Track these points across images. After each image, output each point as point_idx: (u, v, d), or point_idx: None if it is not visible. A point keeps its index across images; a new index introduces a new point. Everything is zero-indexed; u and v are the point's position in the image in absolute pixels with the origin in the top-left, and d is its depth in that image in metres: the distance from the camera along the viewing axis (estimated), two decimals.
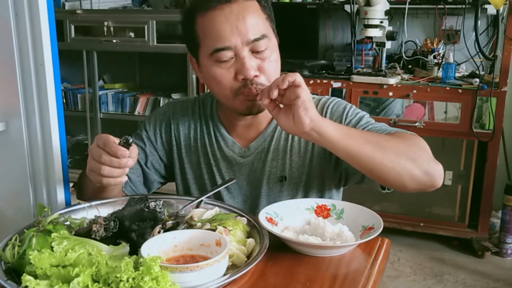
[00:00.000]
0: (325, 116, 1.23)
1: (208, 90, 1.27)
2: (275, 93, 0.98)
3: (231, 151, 1.27)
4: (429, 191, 1.09)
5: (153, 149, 1.32)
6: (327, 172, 1.25)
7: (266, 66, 1.13)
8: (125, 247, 0.89)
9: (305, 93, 0.96)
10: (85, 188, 1.22)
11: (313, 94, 1.32)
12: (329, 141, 1.01)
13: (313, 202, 1.13)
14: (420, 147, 1.09)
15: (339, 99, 1.28)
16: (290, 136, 1.24)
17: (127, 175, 1.25)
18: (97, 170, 0.99)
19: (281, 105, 1.03)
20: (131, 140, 0.98)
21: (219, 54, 1.11)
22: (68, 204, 1.23)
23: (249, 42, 1.10)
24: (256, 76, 1.11)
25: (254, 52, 1.12)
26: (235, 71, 1.12)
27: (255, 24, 1.11)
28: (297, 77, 0.96)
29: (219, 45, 1.10)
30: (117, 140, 0.98)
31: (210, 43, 1.12)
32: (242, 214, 1.05)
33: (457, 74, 2.97)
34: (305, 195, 1.27)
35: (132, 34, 3.61)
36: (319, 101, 1.26)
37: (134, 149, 1.01)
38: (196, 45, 1.17)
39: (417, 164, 1.05)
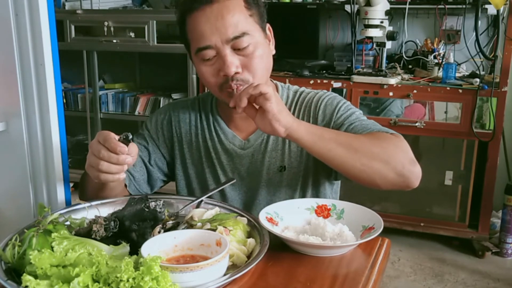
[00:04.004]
0: (319, 109, 1.27)
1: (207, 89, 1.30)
2: (244, 102, 1.03)
3: (231, 144, 1.30)
4: (406, 190, 1.12)
5: (155, 147, 1.34)
6: (321, 163, 1.26)
7: (249, 63, 1.16)
8: (125, 247, 0.89)
9: (274, 106, 1.01)
10: (86, 188, 1.22)
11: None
12: (303, 144, 1.08)
13: (314, 202, 1.13)
14: (398, 148, 1.10)
15: (335, 94, 1.31)
16: None
17: (131, 173, 1.28)
18: (95, 165, 0.99)
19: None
20: (130, 137, 0.98)
21: (202, 53, 1.16)
22: (68, 204, 1.23)
23: (228, 40, 1.14)
24: (237, 73, 1.15)
25: (236, 49, 1.15)
26: (218, 68, 1.16)
27: (235, 23, 1.14)
28: (269, 91, 1.00)
29: (201, 45, 1.15)
30: (117, 137, 0.99)
31: (194, 42, 1.17)
32: (243, 214, 1.05)
33: (457, 74, 2.97)
34: (304, 186, 1.29)
35: (132, 34, 3.61)
36: (316, 94, 1.30)
37: (134, 148, 1.02)
38: (187, 44, 1.22)
39: (390, 166, 1.08)
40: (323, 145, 1.07)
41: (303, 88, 1.34)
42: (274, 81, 1.34)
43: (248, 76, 1.16)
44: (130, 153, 1.00)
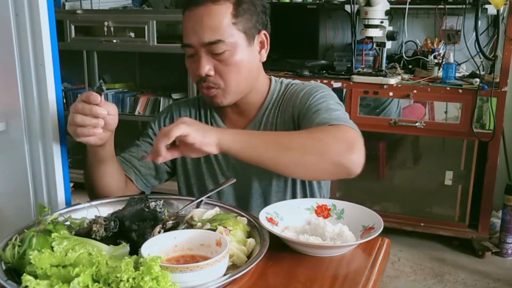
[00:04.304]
0: (297, 97, 1.28)
1: None
2: (163, 152, 1.00)
3: None
4: (350, 177, 1.11)
5: None
6: None
7: (223, 69, 1.21)
8: (125, 247, 0.89)
9: (196, 136, 0.99)
10: (87, 177, 1.25)
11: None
12: (233, 153, 1.05)
13: (314, 202, 1.13)
14: (335, 138, 1.09)
15: (321, 85, 1.31)
16: (275, 119, 1.31)
17: (136, 168, 1.32)
18: (71, 120, 1.05)
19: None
20: (103, 86, 1.04)
21: (186, 49, 1.24)
22: (68, 204, 1.23)
23: (204, 44, 1.19)
24: (209, 75, 1.21)
25: (213, 53, 1.20)
26: (196, 67, 1.22)
27: (213, 29, 1.18)
28: (181, 128, 0.98)
29: (184, 41, 1.23)
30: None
31: (183, 37, 1.24)
32: (242, 214, 1.05)
33: (457, 74, 2.97)
34: (293, 179, 1.32)
35: (132, 34, 3.61)
36: (303, 84, 1.34)
37: (113, 108, 1.08)
38: None
39: (324, 158, 1.06)
40: (252, 150, 1.06)
41: (295, 81, 1.37)
42: (269, 76, 1.37)
43: (219, 81, 1.22)
44: (110, 111, 1.05)
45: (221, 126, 1.35)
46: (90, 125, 1.04)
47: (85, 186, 1.29)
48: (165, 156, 1.02)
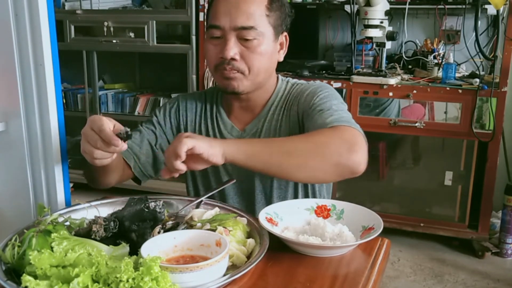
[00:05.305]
0: (302, 97, 1.30)
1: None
2: (181, 166, 1.00)
3: (229, 134, 1.36)
4: (354, 176, 1.11)
5: (162, 132, 1.40)
6: None
7: (248, 55, 1.23)
8: (125, 248, 0.89)
9: (202, 146, 1.00)
10: (88, 174, 1.25)
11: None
12: (239, 163, 1.07)
13: (313, 202, 1.13)
14: (335, 139, 1.10)
15: (326, 85, 1.33)
16: (280, 116, 1.33)
17: (137, 155, 1.33)
18: (90, 153, 1.03)
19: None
20: (130, 133, 1.00)
21: (211, 30, 1.25)
22: (68, 204, 1.23)
23: (236, 28, 1.21)
24: (234, 59, 1.22)
25: (242, 39, 1.22)
26: (220, 49, 1.23)
27: (248, 14, 1.21)
28: (188, 143, 0.98)
29: (212, 22, 1.24)
30: (110, 124, 1.00)
31: (210, 19, 1.26)
32: (242, 214, 1.05)
33: (457, 74, 2.97)
34: None
35: (132, 34, 3.61)
36: (308, 84, 1.36)
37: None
38: (207, 21, 1.30)
39: (326, 160, 1.07)
40: (257, 159, 1.07)
41: (301, 81, 1.39)
42: (276, 75, 1.39)
43: (244, 66, 1.24)
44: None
45: (226, 121, 1.37)
46: (108, 157, 1.04)
47: (86, 178, 1.27)
48: (182, 170, 1.02)
